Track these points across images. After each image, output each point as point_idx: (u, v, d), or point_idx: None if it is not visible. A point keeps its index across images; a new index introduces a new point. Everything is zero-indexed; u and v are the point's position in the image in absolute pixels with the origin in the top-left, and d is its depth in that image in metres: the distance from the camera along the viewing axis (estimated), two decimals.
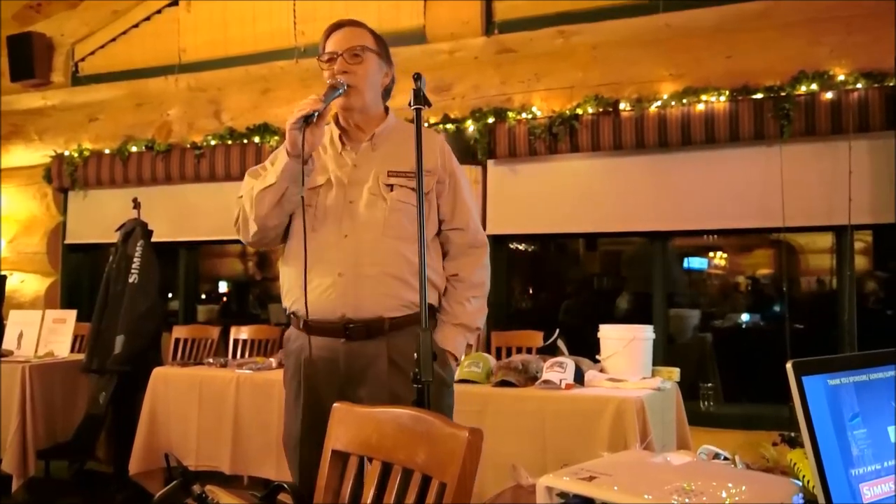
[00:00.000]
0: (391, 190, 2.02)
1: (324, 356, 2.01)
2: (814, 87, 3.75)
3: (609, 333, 3.20)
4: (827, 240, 5.76)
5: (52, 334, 4.44)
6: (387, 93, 2.16)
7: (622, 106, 4.11)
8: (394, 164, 2.05)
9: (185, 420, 3.63)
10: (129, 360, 4.21)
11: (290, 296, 2.08)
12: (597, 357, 3.22)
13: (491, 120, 4.38)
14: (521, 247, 6.20)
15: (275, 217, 2.03)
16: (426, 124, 4.01)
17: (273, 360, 3.74)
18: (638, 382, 2.99)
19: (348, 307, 1.98)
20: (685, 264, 7.29)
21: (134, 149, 5.34)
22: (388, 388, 1.95)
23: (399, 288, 2.00)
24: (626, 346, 3.11)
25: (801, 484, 1.17)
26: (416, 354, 1.61)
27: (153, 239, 4.60)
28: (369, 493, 1.37)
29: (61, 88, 5.73)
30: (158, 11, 5.49)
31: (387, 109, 2.17)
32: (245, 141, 5.00)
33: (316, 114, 1.90)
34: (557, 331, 3.50)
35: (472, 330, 2.14)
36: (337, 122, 2.14)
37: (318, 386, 2.01)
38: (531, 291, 7.27)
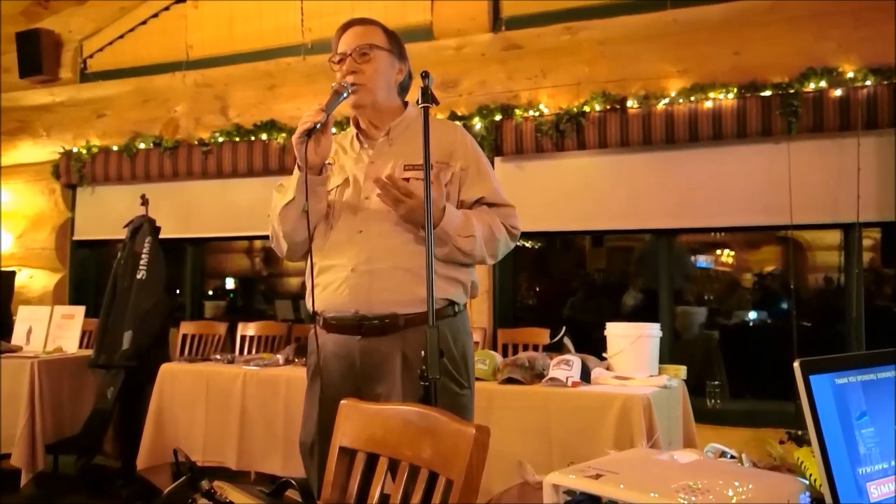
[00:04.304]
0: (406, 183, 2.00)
1: (340, 354, 2.01)
2: (822, 83, 3.74)
3: (615, 331, 3.19)
4: (835, 237, 5.73)
5: (60, 330, 4.46)
6: (402, 89, 2.15)
7: (629, 103, 4.10)
8: (410, 158, 2.03)
9: (193, 416, 3.65)
10: (136, 355, 4.22)
11: (310, 295, 2.08)
12: (603, 355, 3.22)
13: (498, 117, 4.37)
14: (528, 244, 6.20)
15: (301, 232, 2.03)
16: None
17: (280, 357, 3.75)
18: (644, 380, 2.99)
19: (360, 303, 1.97)
20: (692, 261, 7.27)
21: (141, 145, 5.36)
22: (402, 386, 1.93)
23: (413, 283, 1.94)
24: (632, 343, 3.10)
25: (807, 482, 1.17)
26: (422, 352, 1.61)
27: (160, 235, 4.62)
28: (376, 490, 1.38)
29: (69, 85, 5.75)
30: (166, 8, 5.51)
31: (406, 104, 2.17)
32: (252, 137, 5.01)
33: (318, 125, 1.91)
34: (564, 328, 3.49)
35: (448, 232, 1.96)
36: (355, 123, 2.16)
37: (335, 384, 2.00)
38: (537, 288, 7.27)
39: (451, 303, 2.03)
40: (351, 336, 1.99)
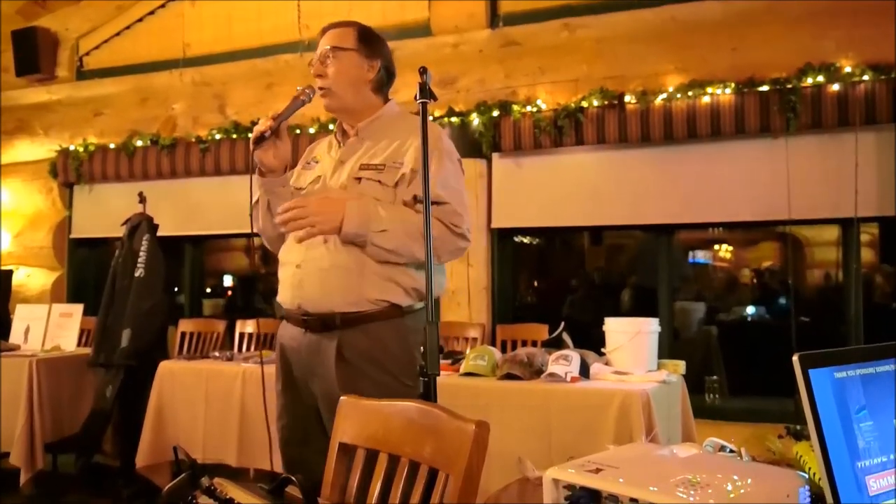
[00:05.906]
0: (359, 183, 2.03)
1: (293, 346, 2.09)
2: (820, 79, 3.74)
3: (614, 327, 3.19)
4: (833, 233, 5.75)
5: (58, 328, 4.45)
6: (378, 86, 2.15)
7: (627, 99, 4.10)
8: (368, 157, 2.06)
9: (192, 414, 3.65)
10: (135, 354, 4.22)
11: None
12: (602, 350, 3.22)
13: (496, 113, 4.37)
14: (526, 240, 6.20)
15: (270, 228, 2.17)
16: (431, 117, 4.00)
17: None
18: (643, 376, 2.99)
19: (303, 299, 2.03)
20: (690, 257, 7.27)
21: (139, 143, 5.36)
22: (339, 383, 1.92)
23: (354, 283, 1.96)
24: (631, 339, 3.11)
25: (807, 476, 1.17)
26: (422, 348, 1.62)
27: (158, 233, 4.61)
28: (376, 487, 1.38)
29: (66, 83, 5.74)
30: (163, 6, 5.50)
31: (386, 101, 2.18)
32: (250, 135, 5.00)
33: (267, 133, 2.02)
34: (563, 324, 3.49)
35: (367, 226, 1.91)
36: (338, 124, 2.21)
37: (291, 373, 2.10)
38: (536, 285, 7.28)
39: (393, 304, 1.98)
40: (299, 329, 2.07)
